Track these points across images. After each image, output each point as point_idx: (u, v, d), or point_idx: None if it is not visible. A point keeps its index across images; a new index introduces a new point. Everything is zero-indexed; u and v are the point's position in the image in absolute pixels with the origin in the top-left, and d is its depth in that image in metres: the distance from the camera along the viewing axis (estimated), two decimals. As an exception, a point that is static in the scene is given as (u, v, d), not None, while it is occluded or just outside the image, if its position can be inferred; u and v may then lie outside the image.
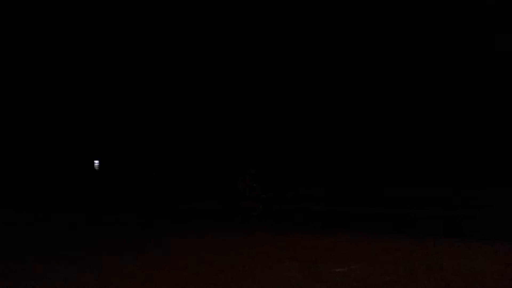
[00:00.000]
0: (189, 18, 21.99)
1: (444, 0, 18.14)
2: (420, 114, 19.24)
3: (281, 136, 21.58)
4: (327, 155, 20.58)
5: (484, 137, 17.78)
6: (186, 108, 23.34)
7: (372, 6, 19.20)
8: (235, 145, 22.53)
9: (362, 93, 20.20)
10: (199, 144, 23.49)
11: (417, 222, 9.26)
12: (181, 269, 5.45)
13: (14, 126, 23.90)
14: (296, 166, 20.42)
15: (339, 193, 15.63)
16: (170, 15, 22.13)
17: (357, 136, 20.36)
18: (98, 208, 14.35)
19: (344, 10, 19.67)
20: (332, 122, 20.89)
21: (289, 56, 21.04)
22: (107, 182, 22.84)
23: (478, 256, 5.63)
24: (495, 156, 17.06)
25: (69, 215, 11.99)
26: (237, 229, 8.52)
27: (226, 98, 22.47)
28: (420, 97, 19.26)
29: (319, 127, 21.17)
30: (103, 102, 24.39)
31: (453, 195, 13.32)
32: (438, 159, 18.23)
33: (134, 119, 24.36)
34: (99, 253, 6.47)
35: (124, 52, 23.35)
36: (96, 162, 24.75)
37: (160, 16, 22.35)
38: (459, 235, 7.14)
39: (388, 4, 18.87)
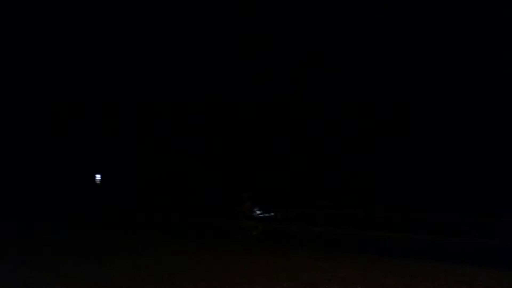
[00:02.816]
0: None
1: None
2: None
3: (283, 156, 21.62)
4: (331, 176, 20.55)
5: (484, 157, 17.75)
6: (192, 128, 23.53)
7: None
8: (236, 165, 22.57)
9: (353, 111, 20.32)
10: (202, 163, 23.54)
11: (420, 248, 9.17)
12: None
13: (20, 140, 24.11)
14: (297, 185, 20.37)
15: (342, 215, 15.53)
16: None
17: (362, 156, 20.37)
18: (99, 220, 14.31)
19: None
20: (335, 146, 20.95)
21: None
22: (109, 196, 22.82)
23: (478, 283, 5.57)
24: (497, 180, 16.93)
25: (70, 226, 11.96)
26: (235, 249, 8.46)
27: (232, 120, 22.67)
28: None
29: (321, 148, 21.22)
30: (108, 118, 24.58)
31: (458, 220, 13.18)
32: (443, 183, 18.11)
33: (137, 137, 24.53)
34: (97, 264, 6.43)
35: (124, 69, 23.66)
36: (98, 176, 24.77)
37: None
38: (463, 261, 7.06)
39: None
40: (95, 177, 24.82)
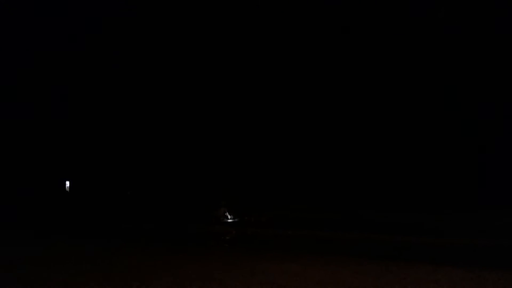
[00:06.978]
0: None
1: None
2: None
3: (255, 158, 21.71)
4: (302, 179, 20.78)
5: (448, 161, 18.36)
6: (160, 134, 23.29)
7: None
8: (209, 170, 22.48)
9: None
10: (176, 170, 23.31)
11: (387, 248, 9.40)
12: (149, 292, 5.37)
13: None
14: (269, 190, 20.49)
15: (312, 218, 15.72)
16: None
17: (334, 161, 20.74)
18: (71, 229, 13.98)
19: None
20: (306, 148, 21.23)
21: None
22: (80, 204, 22.25)
23: (444, 281, 5.76)
24: (460, 181, 17.59)
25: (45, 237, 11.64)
26: (208, 253, 8.44)
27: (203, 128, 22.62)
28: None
29: (294, 151, 21.45)
30: (78, 124, 24.06)
31: (424, 221, 13.61)
32: (411, 185, 18.69)
33: (111, 141, 24.09)
34: (65, 275, 6.30)
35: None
36: (67, 183, 24.17)
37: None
38: (428, 260, 7.28)
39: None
40: (64, 184, 24.20)
